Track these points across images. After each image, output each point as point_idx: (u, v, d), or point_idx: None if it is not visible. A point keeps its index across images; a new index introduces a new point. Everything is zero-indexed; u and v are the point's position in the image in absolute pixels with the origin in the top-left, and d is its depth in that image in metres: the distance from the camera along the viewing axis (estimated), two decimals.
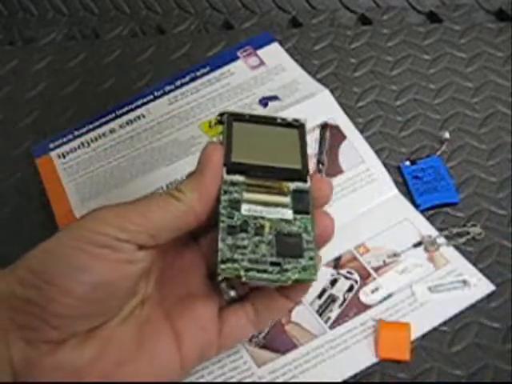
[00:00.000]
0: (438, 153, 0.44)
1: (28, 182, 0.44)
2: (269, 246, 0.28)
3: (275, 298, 0.30)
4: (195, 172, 0.29)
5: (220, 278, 0.28)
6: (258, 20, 0.52)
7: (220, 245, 0.28)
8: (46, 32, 0.51)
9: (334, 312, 0.37)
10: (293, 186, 0.30)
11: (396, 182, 0.42)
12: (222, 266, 0.27)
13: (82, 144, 0.44)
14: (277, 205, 0.29)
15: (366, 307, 0.37)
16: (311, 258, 0.28)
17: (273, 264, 0.28)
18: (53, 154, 0.44)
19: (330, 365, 0.35)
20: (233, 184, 0.29)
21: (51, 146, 0.44)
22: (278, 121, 0.32)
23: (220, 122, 0.31)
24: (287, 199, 0.29)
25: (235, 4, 0.52)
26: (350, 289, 0.37)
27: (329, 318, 0.36)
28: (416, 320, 0.36)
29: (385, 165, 0.42)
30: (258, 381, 0.34)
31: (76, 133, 0.44)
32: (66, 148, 0.44)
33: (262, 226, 0.28)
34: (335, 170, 0.41)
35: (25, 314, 0.25)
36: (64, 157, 0.43)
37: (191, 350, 0.29)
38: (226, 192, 0.29)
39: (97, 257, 0.26)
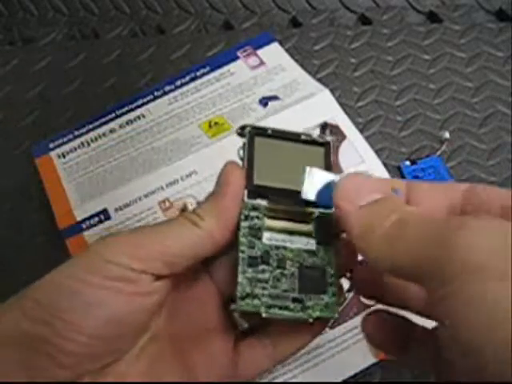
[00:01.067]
0: (438, 153, 0.44)
1: (28, 182, 0.44)
2: (291, 281, 0.26)
3: (293, 331, 0.28)
4: (213, 194, 0.27)
5: (236, 313, 0.26)
6: (258, 20, 0.52)
7: (240, 278, 0.25)
8: (45, 32, 0.51)
9: None
10: (317, 212, 0.27)
11: None
12: (242, 303, 0.25)
13: (82, 144, 0.44)
14: (300, 233, 0.27)
15: (366, 307, 0.37)
16: (334, 294, 0.26)
17: (295, 300, 0.26)
18: (53, 153, 0.44)
19: (330, 365, 0.35)
20: (254, 209, 0.27)
21: (51, 145, 0.44)
22: (302, 137, 0.29)
23: (240, 135, 0.29)
24: (310, 227, 0.27)
25: (235, 4, 0.52)
26: (351, 289, 0.37)
27: None
28: (416, 320, 0.36)
29: (385, 165, 0.42)
30: (258, 381, 0.34)
31: (76, 133, 0.44)
32: (65, 148, 0.44)
33: (285, 258, 0.26)
34: (335, 170, 0.41)
35: (33, 353, 0.23)
36: (64, 157, 0.43)
37: None
38: (246, 218, 0.26)
39: (111, 290, 0.24)
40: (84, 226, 0.39)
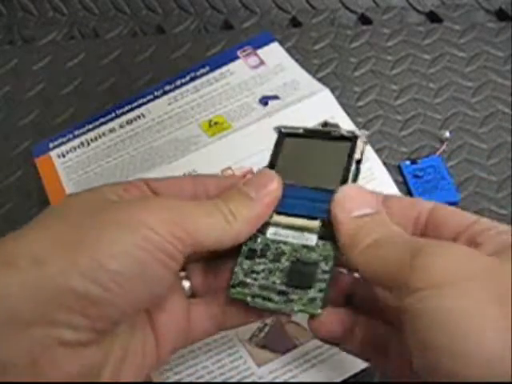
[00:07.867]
0: (438, 152, 0.44)
1: (28, 182, 0.44)
2: (282, 274, 0.27)
3: (243, 308, 0.28)
4: (252, 199, 0.27)
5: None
6: (258, 20, 0.52)
7: (236, 268, 0.28)
8: (45, 32, 0.51)
9: None
10: (326, 208, 0.27)
11: (396, 181, 0.42)
12: (233, 290, 0.27)
13: (82, 143, 0.44)
14: (303, 229, 0.28)
15: None
16: (321, 290, 0.26)
17: (280, 293, 0.27)
18: (52, 153, 0.44)
19: (330, 365, 0.35)
20: None
21: (51, 145, 0.44)
22: (332, 134, 0.29)
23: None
24: (316, 223, 0.27)
25: (235, 4, 0.52)
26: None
27: None
28: None
29: (385, 164, 0.42)
30: (257, 381, 0.34)
31: (76, 132, 0.44)
32: (65, 147, 0.44)
33: (282, 252, 0.27)
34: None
35: (51, 304, 0.22)
36: (64, 156, 0.43)
37: (166, 344, 0.27)
38: None
39: (140, 246, 0.24)
40: None
